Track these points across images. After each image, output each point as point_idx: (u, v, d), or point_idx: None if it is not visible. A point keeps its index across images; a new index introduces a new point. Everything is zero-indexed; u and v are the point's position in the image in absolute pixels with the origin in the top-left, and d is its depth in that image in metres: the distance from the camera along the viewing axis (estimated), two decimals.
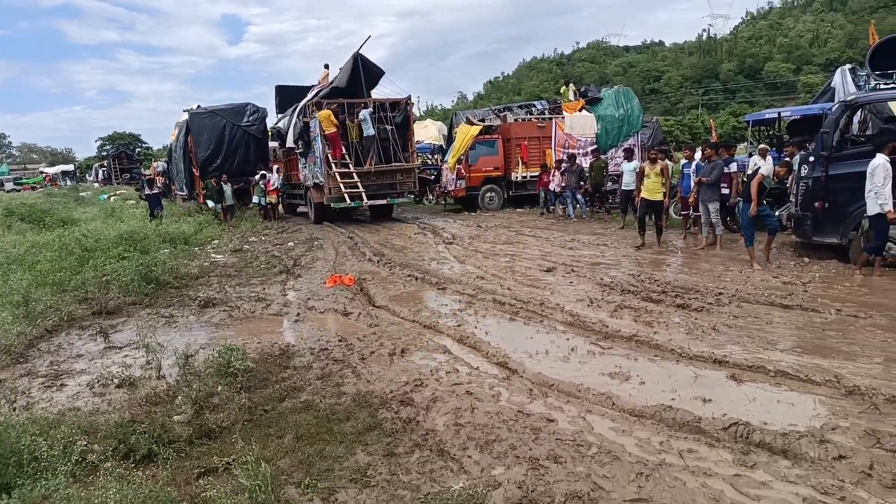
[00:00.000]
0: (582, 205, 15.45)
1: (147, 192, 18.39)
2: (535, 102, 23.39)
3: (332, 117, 15.21)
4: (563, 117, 18.88)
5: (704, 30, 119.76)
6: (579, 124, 18.62)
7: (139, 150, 69.13)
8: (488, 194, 18.49)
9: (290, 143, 18.27)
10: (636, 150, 17.19)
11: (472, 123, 19.18)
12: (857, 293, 6.97)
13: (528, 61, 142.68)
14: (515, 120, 19.75)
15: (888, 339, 5.36)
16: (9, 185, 54.01)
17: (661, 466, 3.38)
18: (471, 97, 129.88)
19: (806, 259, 8.75)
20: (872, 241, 7.65)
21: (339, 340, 6.05)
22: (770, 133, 14.64)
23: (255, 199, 18.68)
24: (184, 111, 20.83)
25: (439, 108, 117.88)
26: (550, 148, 18.30)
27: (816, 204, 8.41)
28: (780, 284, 7.47)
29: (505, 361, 5.26)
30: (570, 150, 18.41)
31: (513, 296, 7.52)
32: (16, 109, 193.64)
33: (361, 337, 6.17)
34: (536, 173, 18.29)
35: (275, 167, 19.23)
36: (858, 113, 9.44)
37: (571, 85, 21.20)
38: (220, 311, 7.59)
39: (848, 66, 12.90)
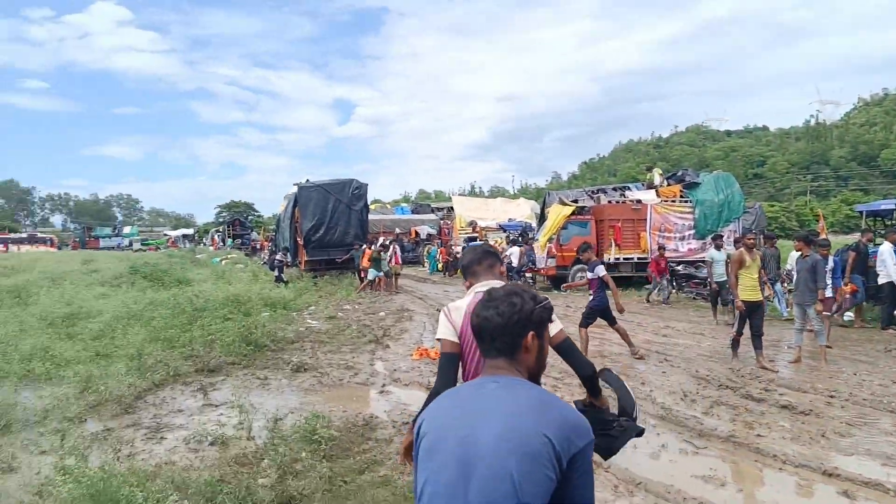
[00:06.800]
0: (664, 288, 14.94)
1: (278, 260, 19.96)
2: (631, 185, 23.23)
3: None
4: (661, 201, 18.62)
5: (812, 116, 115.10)
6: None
7: (251, 217, 74.28)
8: (579, 274, 18.24)
9: None
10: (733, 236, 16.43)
11: (564, 203, 19.28)
12: None
13: (623, 144, 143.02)
14: (609, 202, 19.65)
15: None
16: (136, 245, 59.51)
17: None
18: (565, 177, 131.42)
19: None
20: None
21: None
22: (888, 224, 13.66)
23: (371, 272, 18.06)
24: (293, 184, 22.35)
25: (533, 187, 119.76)
26: (645, 231, 17.98)
27: None
28: None
29: None
30: (666, 234, 18.01)
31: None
32: (149, 178, 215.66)
33: None
34: (630, 255, 17.97)
35: (381, 238, 20.19)
36: None
37: (656, 170, 20.98)
38: (311, 376, 7.85)
39: None
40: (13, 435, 5.52)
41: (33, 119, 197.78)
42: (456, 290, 18.39)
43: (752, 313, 8.02)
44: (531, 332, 1.63)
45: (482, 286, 2.63)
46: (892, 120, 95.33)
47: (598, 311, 8.63)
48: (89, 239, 62.20)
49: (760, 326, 8.07)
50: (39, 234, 62.03)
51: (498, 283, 2.60)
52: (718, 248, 12.10)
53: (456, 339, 2.58)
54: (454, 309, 2.64)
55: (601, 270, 8.53)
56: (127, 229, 71.83)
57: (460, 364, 2.61)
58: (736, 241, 12.44)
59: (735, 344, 8.34)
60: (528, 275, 19.31)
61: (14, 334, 9.29)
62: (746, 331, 8.11)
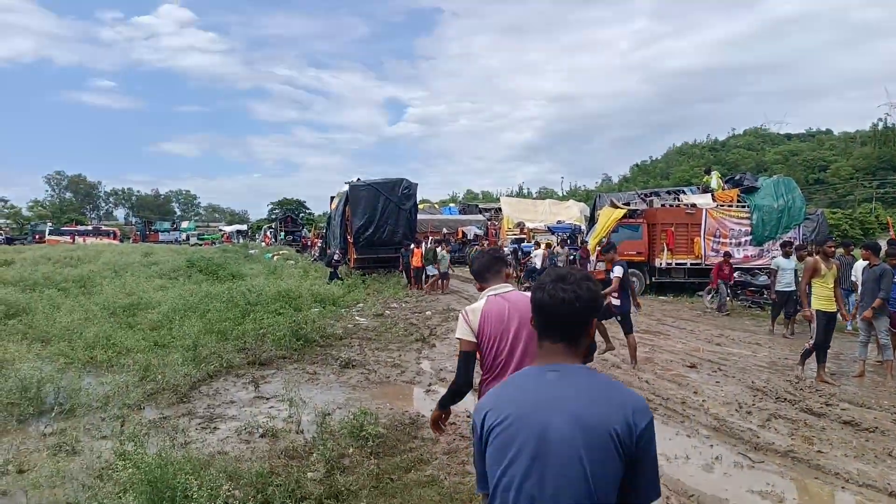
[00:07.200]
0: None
1: (335, 260, 20.16)
2: (685, 188, 22.62)
3: None
4: (716, 205, 18.08)
5: (880, 119, 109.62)
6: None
7: (303, 214, 75.79)
8: (630, 278, 17.83)
9: None
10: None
11: (616, 206, 18.93)
12: None
13: (677, 146, 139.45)
14: (662, 205, 19.18)
15: None
16: (193, 240, 61.54)
17: None
18: (615, 180, 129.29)
19: None
20: None
21: (468, 416, 6.03)
22: None
23: (430, 269, 18.50)
24: (345, 183, 22.71)
25: (582, 188, 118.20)
26: (699, 236, 17.48)
27: None
28: None
29: None
30: (722, 239, 17.47)
31: (651, 390, 7.11)
32: (206, 174, 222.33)
33: None
34: (683, 261, 17.50)
35: (430, 237, 20.32)
36: None
37: (714, 173, 20.35)
38: (359, 373, 7.94)
39: None
40: (77, 419, 5.78)
41: (101, 117, 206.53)
42: None
43: (826, 325, 7.63)
44: (594, 318, 1.67)
45: (494, 290, 2.98)
46: None
47: (627, 315, 8.41)
48: (149, 233, 64.76)
49: (829, 339, 7.71)
50: (104, 227, 64.69)
51: (508, 287, 3.00)
52: (787, 255, 11.44)
53: (473, 339, 2.87)
54: (471, 311, 2.91)
55: (618, 271, 8.34)
56: (184, 224, 74.45)
57: (478, 358, 2.92)
58: (797, 249, 11.85)
59: (807, 354, 7.91)
60: None
61: (79, 322, 9.74)
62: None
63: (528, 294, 2.88)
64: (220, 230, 71.55)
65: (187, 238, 63.18)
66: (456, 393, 2.99)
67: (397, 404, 6.54)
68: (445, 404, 3.08)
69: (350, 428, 5.20)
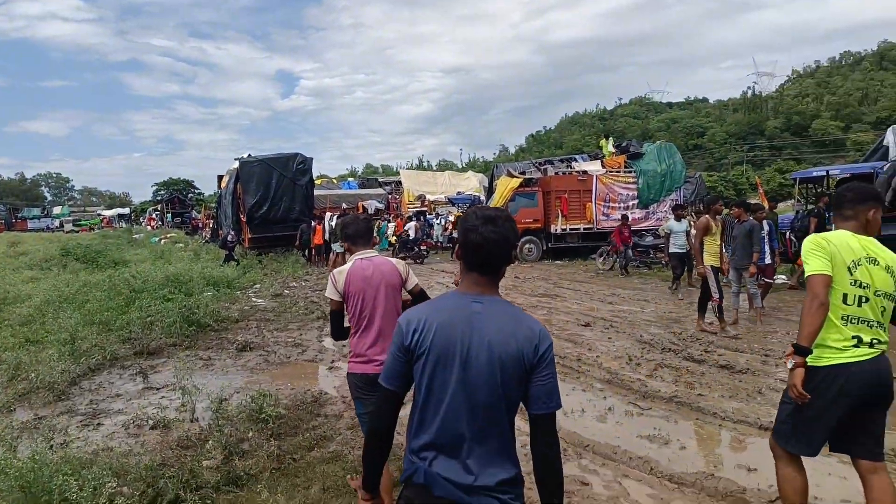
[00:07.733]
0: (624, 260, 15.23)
1: (230, 241, 18.93)
2: (577, 156, 23.53)
3: None
4: (606, 171, 18.93)
5: (749, 87, 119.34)
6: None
7: (191, 195, 71.70)
8: (527, 246, 18.45)
9: None
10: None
11: (512, 176, 19.37)
12: None
13: (569, 116, 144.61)
14: (556, 173, 19.83)
15: None
16: (68, 227, 56.69)
17: None
18: (512, 150, 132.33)
19: None
20: None
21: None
22: (818, 191, 14.29)
23: (337, 246, 17.66)
24: (235, 159, 21.64)
25: (481, 160, 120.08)
26: (591, 202, 18.28)
27: None
28: None
29: None
30: (611, 204, 18.37)
31: None
32: (79, 155, 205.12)
33: None
34: (577, 226, 18.26)
35: (328, 214, 19.86)
36: None
37: (610, 139, 21.39)
38: (257, 355, 7.66)
39: None
40: None
41: None
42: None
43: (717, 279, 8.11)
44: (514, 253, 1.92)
45: (361, 255, 3.34)
46: (822, 91, 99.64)
47: None
48: (16, 220, 59.15)
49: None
50: None
51: (373, 252, 3.40)
52: (679, 218, 11.66)
53: (339, 298, 3.28)
54: (338, 273, 3.30)
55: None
56: (57, 209, 68.54)
57: (346, 309, 3.33)
58: (674, 209, 12.73)
59: (720, 309, 8.17)
60: (423, 247, 20.76)
61: None
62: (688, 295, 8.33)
63: (391, 260, 3.45)
64: (99, 215, 66.48)
65: (61, 225, 58.23)
66: (334, 338, 3.53)
67: (299, 384, 6.37)
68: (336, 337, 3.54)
69: (249, 411, 5.00)
